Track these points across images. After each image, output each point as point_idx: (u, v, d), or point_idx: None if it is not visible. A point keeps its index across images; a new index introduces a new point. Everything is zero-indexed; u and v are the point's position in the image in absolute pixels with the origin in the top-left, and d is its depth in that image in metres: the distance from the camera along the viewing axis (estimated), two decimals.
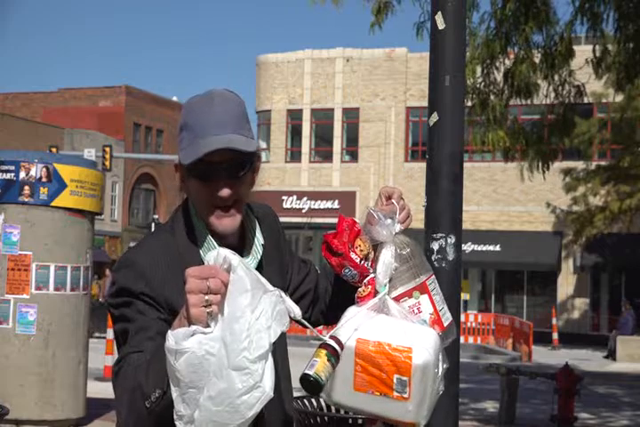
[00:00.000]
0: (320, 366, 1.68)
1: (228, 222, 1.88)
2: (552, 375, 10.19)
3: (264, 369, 1.54)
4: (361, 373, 1.73)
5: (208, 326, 1.51)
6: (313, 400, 3.00)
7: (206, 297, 1.49)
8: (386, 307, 1.84)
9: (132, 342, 1.76)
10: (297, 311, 1.59)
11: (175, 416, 1.55)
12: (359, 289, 1.92)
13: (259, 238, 2.00)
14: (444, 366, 1.79)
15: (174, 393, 1.54)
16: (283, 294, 1.59)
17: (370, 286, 1.90)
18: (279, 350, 1.66)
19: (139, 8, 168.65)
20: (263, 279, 1.58)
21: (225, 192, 1.83)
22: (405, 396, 1.71)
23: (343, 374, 1.75)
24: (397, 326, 1.78)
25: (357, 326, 1.77)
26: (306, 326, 1.80)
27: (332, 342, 1.72)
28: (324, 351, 1.70)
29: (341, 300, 2.03)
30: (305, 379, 1.66)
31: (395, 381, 1.71)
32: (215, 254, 1.54)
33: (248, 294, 1.53)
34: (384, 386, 1.72)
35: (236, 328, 1.51)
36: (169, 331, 1.51)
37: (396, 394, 1.71)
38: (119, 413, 1.69)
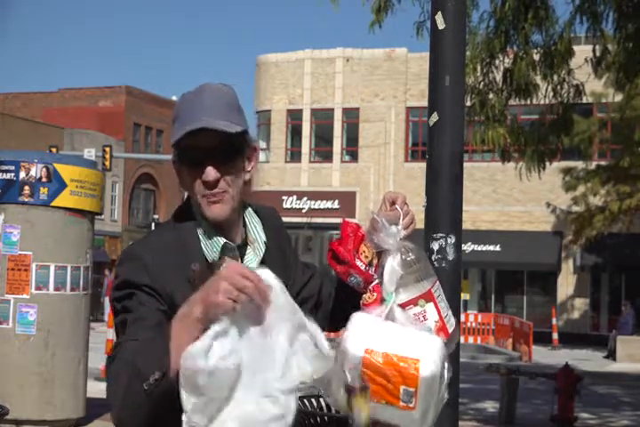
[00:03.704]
0: (365, 415, 1.69)
1: (217, 209, 1.88)
2: (552, 375, 10.19)
3: (291, 405, 1.54)
4: (367, 382, 1.73)
5: (218, 321, 1.50)
6: (313, 400, 3.00)
7: (236, 293, 1.49)
8: (393, 315, 1.83)
9: (129, 331, 1.76)
10: (326, 350, 1.60)
11: (185, 426, 1.53)
12: (364, 296, 1.92)
13: (261, 236, 2.00)
14: (449, 374, 1.78)
15: (189, 405, 1.51)
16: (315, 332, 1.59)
17: (375, 293, 1.90)
18: None
19: (139, 8, 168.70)
20: (298, 310, 1.57)
21: (209, 174, 1.85)
22: (411, 406, 1.71)
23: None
24: (405, 335, 1.77)
25: (365, 335, 1.77)
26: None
27: (360, 383, 1.71)
28: (360, 399, 1.70)
29: (346, 305, 2.02)
30: None
31: (401, 391, 1.71)
32: (259, 273, 1.53)
33: (288, 323, 1.52)
34: (390, 396, 1.72)
35: (269, 357, 1.50)
36: (184, 354, 1.48)
37: (402, 404, 1.71)
38: (114, 402, 1.65)
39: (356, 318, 1.81)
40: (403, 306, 1.88)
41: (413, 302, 1.89)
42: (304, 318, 1.57)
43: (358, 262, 1.93)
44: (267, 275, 1.53)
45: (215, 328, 1.49)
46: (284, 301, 1.52)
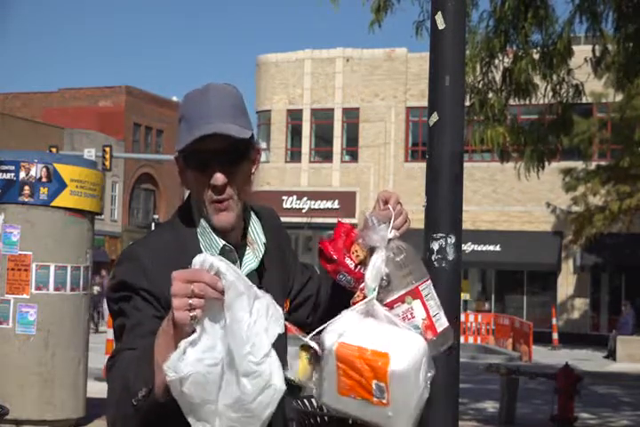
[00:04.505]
0: (300, 369, 1.69)
1: (224, 218, 1.88)
2: (552, 375, 10.19)
3: (271, 367, 1.54)
4: (343, 377, 1.74)
5: (193, 330, 1.51)
6: (313, 400, 2.99)
7: (190, 301, 1.48)
8: (373, 311, 1.83)
9: (126, 339, 1.77)
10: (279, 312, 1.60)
11: None
12: (354, 295, 1.93)
13: (261, 237, 2.00)
14: (430, 373, 1.77)
15: (189, 418, 1.54)
16: (271, 298, 1.60)
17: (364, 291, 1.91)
18: (278, 350, 1.66)
19: (139, 8, 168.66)
20: (250, 282, 1.57)
21: (218, 179, 1.83)
22: (384, 401, 1.71)
23: (328, 377, 1.75)
24: (380, 331, 1.77)
25: (342, 329, 1.77)
26: (298, 317, 1.80)
27: (313, 344, 1.73)
28: (304, 354, 1.71)
29: (342, 306, 2.03)
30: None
31: (373, 386, 1.71)
32: (201, 260, 1.52)
33: (243, 296, 1.52)
34: (364, 391, 1.72)
35: (237, 334, 1.51)
36: (163, 365, 1.50)
37: (375, 399, 1.71)
38: (108, 409, 1.70)
39: (338, 317, 1.82)
40: (390, 304, 1.88)
41: (400, 300, 1.90)
42: (255, 287, 1.57)
43: (348, 261, 1.93)
44: (208, 260, 1.52)
45: (190, 338, 1.51)
46: (235, 277, 1.52)
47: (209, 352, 1.50)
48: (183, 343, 1.50)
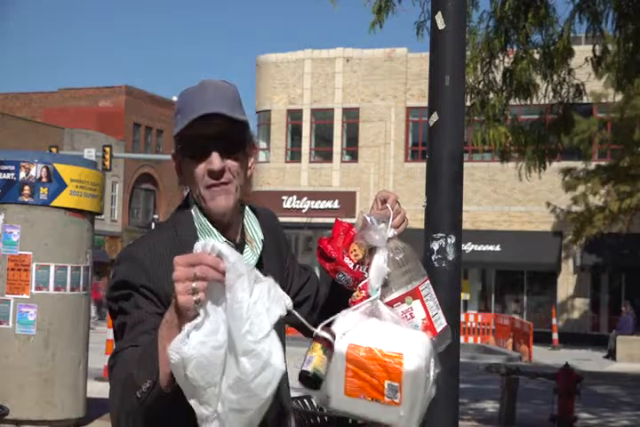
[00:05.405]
0: (317, 361, 1.68)
1: (222, 201, 1.87)
2: (552, 375, 10.19)
3: (270, 347, 1.54)
4: (352, 378, 1.73)
5: (197, 314, 1.51)
6: (313, 400, 3.00)
7: (193, 284, 1.48)
8: (377, 311, 1.83)
9: (127, 337, 1.77)
10: (287, 301, 1.59)
11: (199, 421, 1.56)
12: (353, 294, 1.93)
13: (258, 234, 2.00)
14: (436, 370, 1.78)
15: (191, 401, 1.54)
16: (273, 281, 1.59)
17: (363, 291, 1.90)
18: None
19: (138, 8, 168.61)
20: (251, 266, 1.58)
21: (215, 163, 1.84)
22: (397, 401, 1.70)
23: (334, 378, 1.74)
24: (389, 331, 1.77)
25: (348, 329, 1.76)
26: (298, 318, 1.80)
27: (325, 334, 1.72)
28: (318, 345, 1.70)
29: (340, 306, 2.03)
30: (304, 376, 1.66)
31: (386, 386, 1.70)
32: (203, 244, 1.53)
33: (244, 277, 1.52)
34: (375, 391, 1.71)
35: (236, 313, 1.51)
36: (167, 349, 1.50)
37: (387, 399, 1.71)
38: (112, 405, 1.69)
39: (341, 316, 1.82)
40: (390, 304, 1.88)
41: (400, 300, 1.90)
42: (256, 270, 1.57)
43: (347, 260, 1.93)
44: (209, 243, 1.52)
45: (193, 321, 1.51)
46: (235, 258, 1.52)
47: (212, 335, 1.50)
48: (187, 327, 1.50)
